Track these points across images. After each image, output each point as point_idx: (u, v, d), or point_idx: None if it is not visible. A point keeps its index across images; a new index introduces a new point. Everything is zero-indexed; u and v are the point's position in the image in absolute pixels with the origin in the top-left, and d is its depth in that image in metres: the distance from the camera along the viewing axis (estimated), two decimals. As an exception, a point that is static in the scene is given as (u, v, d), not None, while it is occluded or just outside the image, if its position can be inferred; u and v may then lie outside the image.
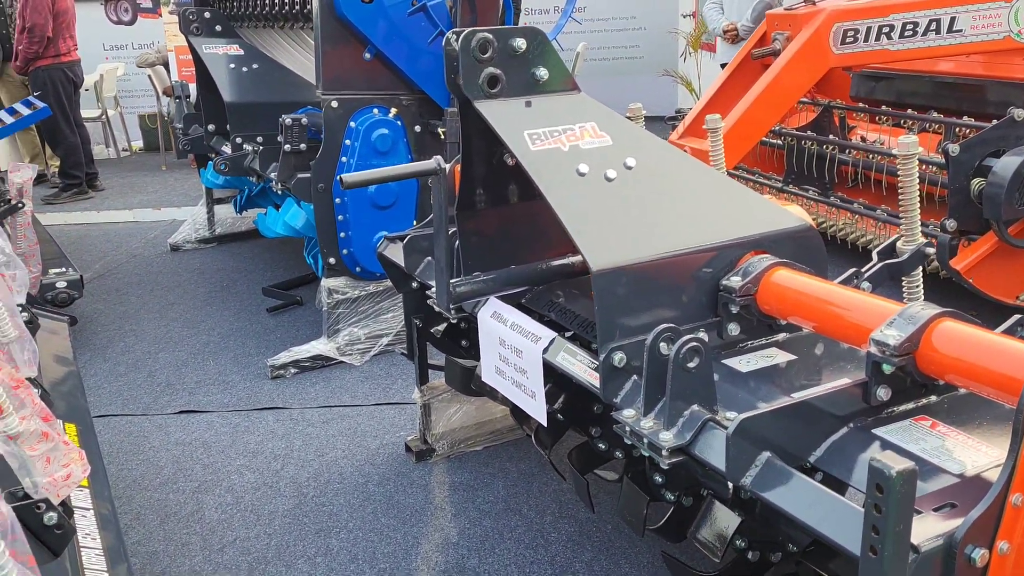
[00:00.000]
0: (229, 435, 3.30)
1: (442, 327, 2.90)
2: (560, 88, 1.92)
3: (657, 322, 1.65)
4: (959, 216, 3.61)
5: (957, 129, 4.16)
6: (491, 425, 3.18)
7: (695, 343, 1.55)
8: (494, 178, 2.19)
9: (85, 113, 7.73)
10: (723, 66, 5.44)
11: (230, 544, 2.62)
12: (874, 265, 1.98)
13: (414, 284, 2.83)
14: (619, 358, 1.72)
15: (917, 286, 2.05)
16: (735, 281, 1.79)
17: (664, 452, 1.54)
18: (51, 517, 1.52)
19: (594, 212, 1.78)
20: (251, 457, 3.14)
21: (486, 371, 2.32)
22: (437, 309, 2.37)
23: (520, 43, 1.82)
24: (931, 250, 1.99)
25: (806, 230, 1.92)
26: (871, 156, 4.40)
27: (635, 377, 1.74)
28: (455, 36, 1.80)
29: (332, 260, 3.83)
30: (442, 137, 3.77)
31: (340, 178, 1.82)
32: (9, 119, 5.04)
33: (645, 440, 1.58)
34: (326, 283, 3.86)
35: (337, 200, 3.75)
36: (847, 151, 4.55)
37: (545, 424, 2.09)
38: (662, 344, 1.61)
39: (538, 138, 1.81)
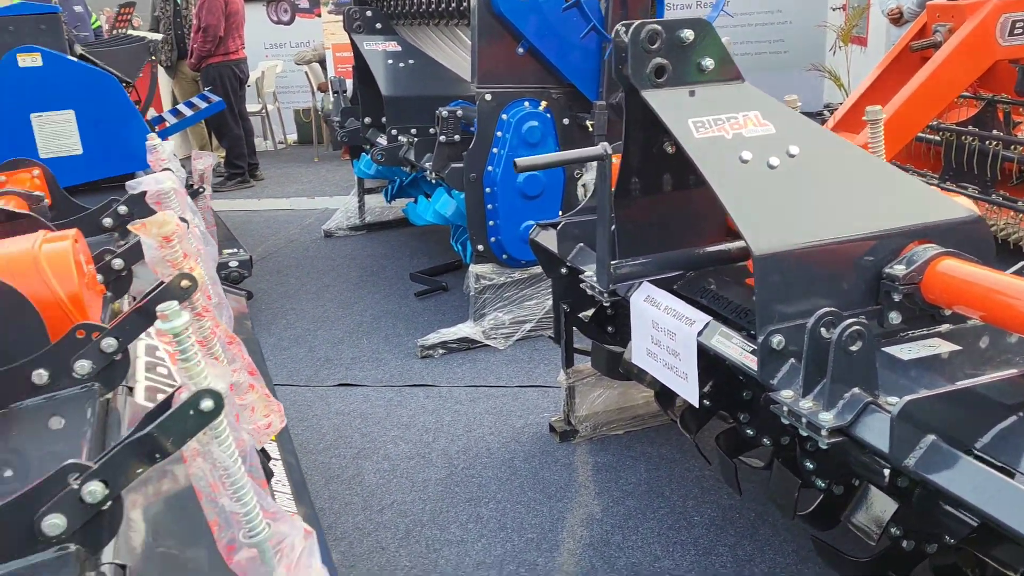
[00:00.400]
0: (383, 408, 3.52)
1: (590, 312, 3.00)
2: (724, 78, 1.97)
3: (817, 307, 1.68)
4: None
5: None
6: (633, 411, 3.25)
7: (858, 326, 1.58)
8: (652, 166, 2.26)
9: (248, 107, 8.26)
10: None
11: (388, 506, 2.81)
12: (1046, 258, 1.94)
13: (563, 270, 2.94)
14: (778, 341, 1.77)
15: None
16: (899, 269, 1.80)
17: (823, 432, 1.58)
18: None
19: (757, 198, 1.83)
20: (404, 429, 3.33)
21: (636, 354, 2.40)
22: (590, 293, 2.47)
23: (688, 34, 1.89)
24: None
25: (974, 220, 1.90)
26: (1038, 153, 4.18)
27: (793, 360, 1.78)
28: (624, 28, 1.89)
29: (480, 247, 3.99)
30: (590, 130, 3.87)
31: (514, 161, 1.94)
32: (188, 112, 5.49)
33: (804, 420, 1.63)
34: (474, 269, 4.03)
35: (487, 190, 3.91)
36: (1011, 147, 4.34)
37: (696, 405, 2.15)
38: (823, 328, 1.65)
39: (702, 126, 1.87)
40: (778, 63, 9.09)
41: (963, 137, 4.54)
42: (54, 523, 1.12)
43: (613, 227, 2.34)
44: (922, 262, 1.78)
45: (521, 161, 1.95)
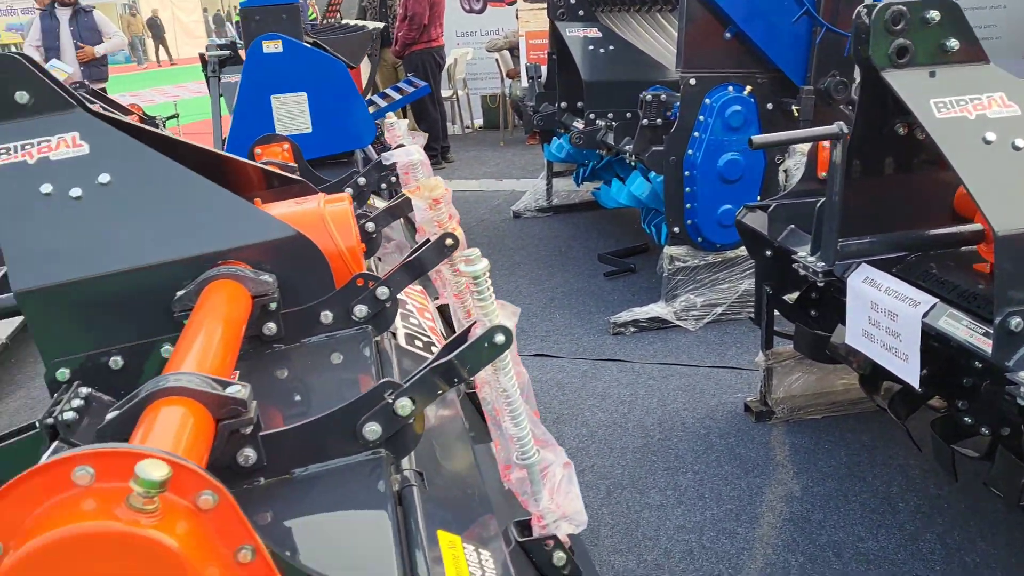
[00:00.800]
0: (579, 379, 3.68)
1: (795, 295, 3.02)
2: (968, 59, 1.97)
3: None
4: None
5: None
6: (831, 396, 3.25)
7: (1110, 310, 1.56)
8: (878, 149, 2.28)
9: (440, 93, 8.67)
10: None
11: (588, 469, 2.97)
12: None
13: (768, 252, 2.98)
14: (1016, 323, 1.76)
15: None
16: None
17: (1066, 413, 1.58)
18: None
19: (1000, 179, 1.82)
20: (600, 399, 3.48)
21: (851, 335, 2.42)
22: (803, 273, 2.51)
23: (934, 15, 1.90)
24: None
25: None
26: None
27: (1031, 343, 1.77)
28: (867, 9, 1.92)
29: (676, 229, 4.07)
30: (795, 116, 3.85)
31: (750, 139, 2.02)
32: (396, 96, 5.86)
33: (1044, 401, 1.63)
34: (668, 250, 4.11)
35: (686, 173, 3.98)
36: None
37: (917, 387, 2.16)
38: (1069, 311, 1.64)
39: (944, 107, 1.88)
40: (990, 49, 8.53)
41: None
42: (373, 429, 1.33)
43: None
44: None
45: (757, 139, 2.02)
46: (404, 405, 1.34)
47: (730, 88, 3.91)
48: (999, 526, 2.47)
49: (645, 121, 4.10)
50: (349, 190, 3.15)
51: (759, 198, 4.08)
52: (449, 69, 9.33)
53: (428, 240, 1.88)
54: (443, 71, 8.38)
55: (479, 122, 10.21)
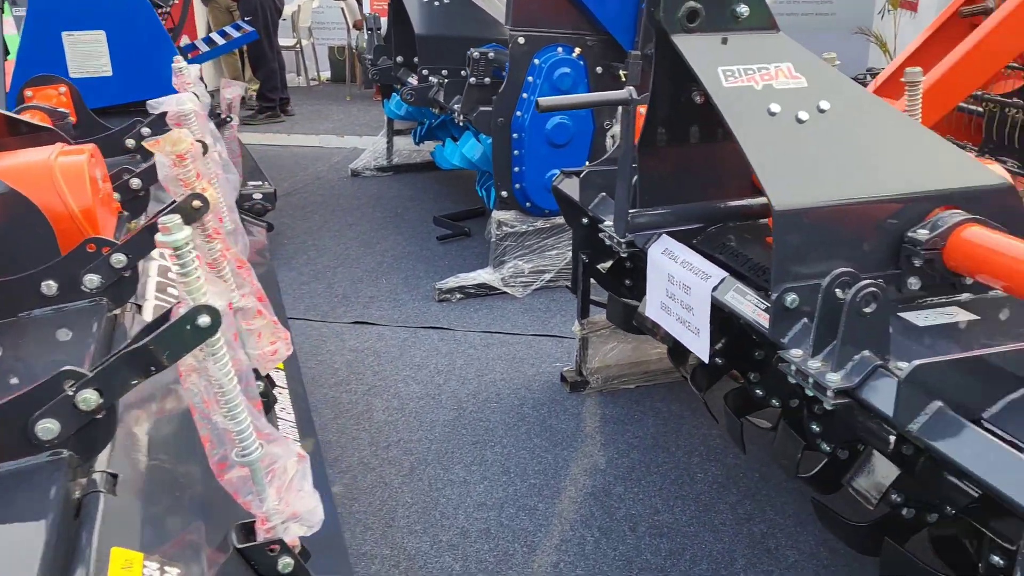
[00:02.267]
0: (397, 347, 3.53)
1: (608, 264, 2.97)
2: (759, 26, 1.91)
3: (835, 267, 1.65)
4: None
5: None
6: (645, 365, 3.24)
7: (873, 288, 1.54)
8: (679, 117, 2.21)
9: (282, 42, 8.21)
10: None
11: (395, 443, 2.84)
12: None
13: (584, 219, 2.91)
14: (791, 299, 1.73)
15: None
16: (922, 234, 1.75)
17: (829, 393, 1.56)
18: (259, 385, 1.72)
19: (782, 152, 1.78)
20: (416, 369, 3.35)
21: (651, 307, 2.37)
22: (608, 243, 2.44)
23: (723, -22, 1.83)
24: None
25: (1005, 189, 1.84)
26: (1085, 129, 4.05)
27: (805, 320, 1.75)
28: (658, -31, 1.83)
29: (504, 193, 3.96)
30: (623, 80, 3.79)
31: (536, 101, 1.90)
32: (221, 40, 5.46)
33: (811, 380, 1.60)
34: (496, 215, 4.00)
35: (515, 135, 3.86)
36: (1057, 122, 4.20)
37: (706, 361, 2.13)
38: (838, 289, 1.61)
39: (732, 75, 1.82)
40: (824, 25, 8.86)
41: (1007, 109, 4.40)
42: (47, 427, 1.13)
43: (635, 177, 2.30)
44: (946, 228, 1.74)
45: (544, 100, 1.91)
46: (87, 398, 1.14)
47: (559, 49, 3.81)
48: (788, 496, 2.52)
49: (473, 80, 3.94)
50: (131, 141, 2.85)
51: (587, 163, 4.02)
52: (292, 16, 8.85)
53: (174, 201, 1.66)
54: (283, 18, 7.92)
55: (326, 75, 9.78)
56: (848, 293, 1.56)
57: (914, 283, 1.81)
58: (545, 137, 3.88)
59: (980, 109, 4.68)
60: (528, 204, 3.99)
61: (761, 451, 2.66)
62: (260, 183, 4.50)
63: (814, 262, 1.75)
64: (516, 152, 3.89)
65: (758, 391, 2.38)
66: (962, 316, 1.79)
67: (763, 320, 1.82)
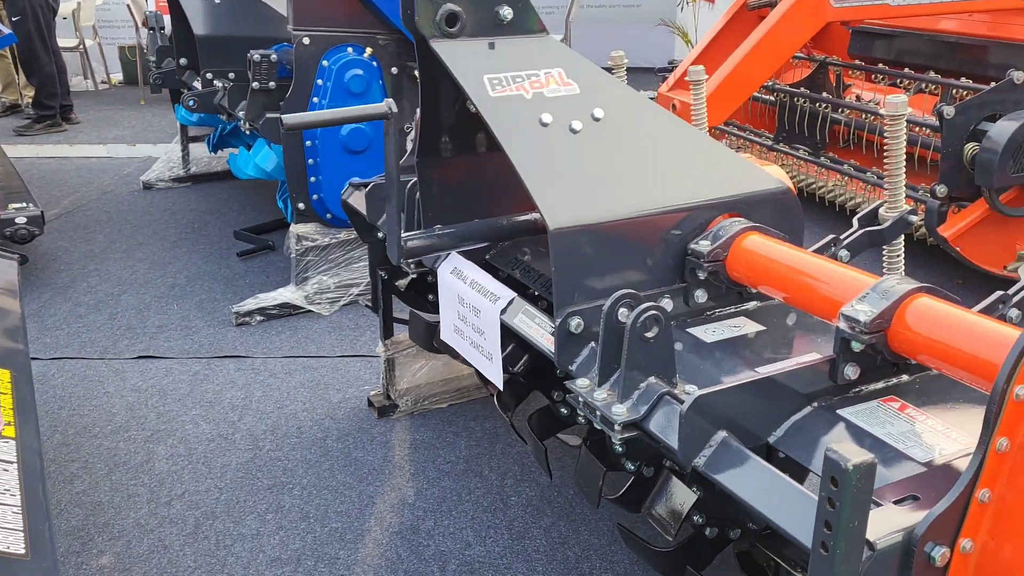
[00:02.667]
0: (187, 383, 3.20)
1: (406, 280, 2.80)
2: (526, 30, 1.78)
3: (619, 286, 1.55)
4: (950, 182, 3.49)
5: (954, 91, 4.02)
6: (457, 382, 3.09)
7: (655, 311, 1.44)
8: (458, 124, 2.06)
9: (62, 43, 7.47)
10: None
11: (178, 497, 2.54)
12: (854, 232, 1.87)
13: (378, 234, 2.72)
14: (576, 323, 1.62)
15: (898, 256, 1.95)
16: (704, 245, 1.68)
17: (617, 427, 1.45)
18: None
19: (556, 166, 1.65)
20: (208, 407, 3.04)
21: (445, 330, 2.21)
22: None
23: (482, -22, 1.68)
24: (915, 218, 1.88)
25: (783, 193, 1.80)
26: (864, 116, 4.26)
27: (592, 344, 1.64)
28: (412, -32, 1.65)
29: (301, 205, 3.70)
30: (419, 80, 3.61)
31: (280, 119, 1.68)
32: (-28, 45, 4.83)
33: (598, 413, 1.48)
34: (295, 229, 3.74)
35: (307, 143, 3.60)
36: (840, 110, 4.40)
37: (500, 388, 2.00)
38: (621, 310, 1.50)
39: (499, 83, 1.68)
40: (629, 17, 9.05)
41: (795, 99, 4.57)
42: None
43: (417, 193, 2.13)
44: (727, 238, 1.67)
45: (289, 119, 1.69)
46: None
47: (349, 49, 3.58)
48: (603, 512, 2.43)
49: (256, 85, 3.65)
50: None
51: (389, 170, 3.82)
52: (74, 14, 8.09)
53: None
54: (63, 16, 7.20)
55: (117, 77, 9.02)
56: (630, 316, 1.45)
57: (700, 296, 1.74)
58: (341, 143, 3.64)
59: (773, 99, 4.85)
60: (329, 216, 3.74)
61: (574, 467, 2.56)
62: (24, 205, 4.01)
63: (598, 281, 1.64)
64: (310, 161, 3.64)
65: (563, 410, 2.27)
66: (750, 327, 1.73)
67: (551, 345, 1.69)
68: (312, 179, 3.66)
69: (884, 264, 1.97)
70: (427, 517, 2.44)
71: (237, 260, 4.42)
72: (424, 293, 2.81)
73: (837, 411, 1.42)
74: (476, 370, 2.67)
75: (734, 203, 1.75)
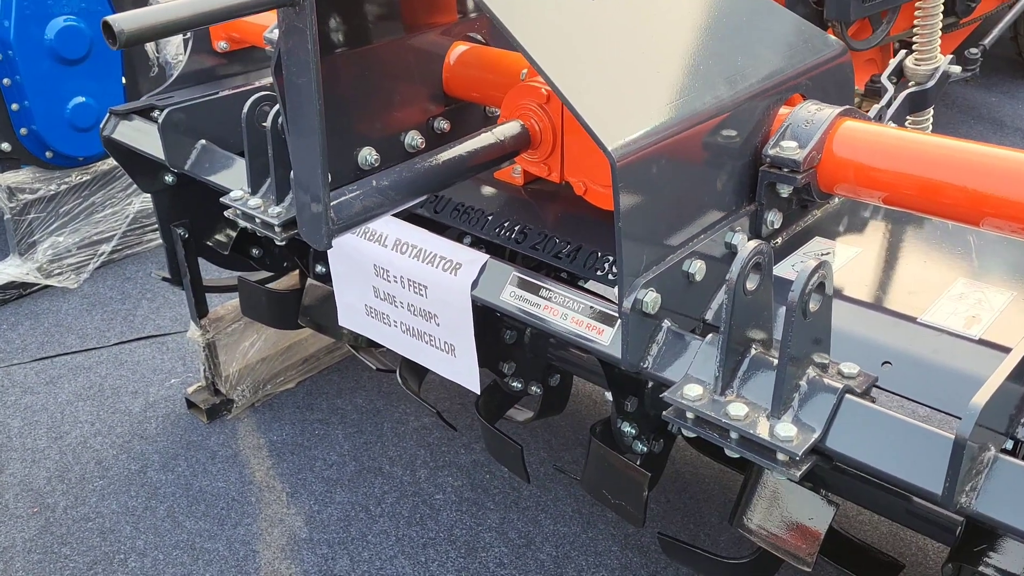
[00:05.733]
0: None
1: (224, 237, 2.00)
2: None
3: (690, 231, 1.00)
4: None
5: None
6: (302, 349, 2.37)
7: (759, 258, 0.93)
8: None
9: None
10: None
11: (-51, 627, 1.67)
12: (892, 97, 1.44)
13: (169, 178, 1.89)
14: (652, 299, 1.04)
15: (927, 120, 1.55)
16: (789, 148, 1.14)
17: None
18: None
19: (587, 57, 1.02)
20: (-56, 464, 2.08)
21: (344, 314, 1.52)
22: (247, 226, 1.48)
23: None
24: (956, 69, 1.47)
25: (843, 54, 1.32)
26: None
27: (667, 323, 1.08)
28: None
29: (6, 146, 2.63)
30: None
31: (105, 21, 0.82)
32: None
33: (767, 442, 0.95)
34: (3, 180, 2.67)
35: (-3, 55, 2.52)
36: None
37: (477, 391, 1.38)
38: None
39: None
40: None
41: None
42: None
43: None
44: (821, 133, 1.14)
45: (120, 20, 0.84)
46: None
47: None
48: (564, 500, 1.93)
49: None
50: None
51: (124, 83, 2.83)
52: None
53: None
54: None
55: None
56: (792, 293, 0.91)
57: (774, 219, 1.23)
58: (48, 50, 2.59)
59: None
60: (49, 154, 2.72)
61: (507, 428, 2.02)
62: None
63: (667, 230, 1.07)
64: (6, 81, 2.56)
65: (515, 383, 1.69)
66: (846, 251, 1.25)
67: (596, 336, 1.11)
68: (14, 107, 2.60)
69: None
70: (336, 554, 1.80)
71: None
72: (246, 248, 2.04)
73: None
74: (402, 368, 1.93)
75: (797, 81, 1.23)
